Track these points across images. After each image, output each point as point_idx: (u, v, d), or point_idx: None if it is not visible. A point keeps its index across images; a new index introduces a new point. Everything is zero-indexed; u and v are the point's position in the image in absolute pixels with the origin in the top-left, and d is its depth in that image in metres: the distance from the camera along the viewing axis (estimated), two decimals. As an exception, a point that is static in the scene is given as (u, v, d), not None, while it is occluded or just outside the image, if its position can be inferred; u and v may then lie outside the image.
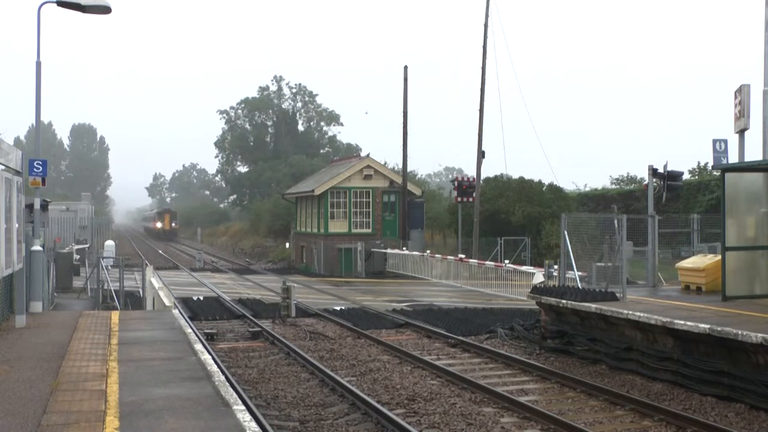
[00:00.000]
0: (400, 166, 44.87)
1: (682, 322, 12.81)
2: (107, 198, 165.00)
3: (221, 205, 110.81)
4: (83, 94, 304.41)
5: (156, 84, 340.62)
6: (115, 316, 16.07)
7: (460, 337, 18.01)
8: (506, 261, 29.69)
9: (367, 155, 48.26)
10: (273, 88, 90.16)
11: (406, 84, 42.94)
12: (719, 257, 16.68)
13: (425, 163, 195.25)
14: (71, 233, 51.67)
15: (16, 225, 15.07)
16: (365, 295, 30.64)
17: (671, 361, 13.15)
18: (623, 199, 40.08)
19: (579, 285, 17.21)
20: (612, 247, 17.71)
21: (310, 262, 45.29)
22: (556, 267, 20.87)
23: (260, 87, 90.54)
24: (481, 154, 39.03)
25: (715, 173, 33.72)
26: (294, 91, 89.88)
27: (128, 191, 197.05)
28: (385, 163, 53.02)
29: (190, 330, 13.86)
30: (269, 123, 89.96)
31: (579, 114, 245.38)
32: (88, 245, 47.78)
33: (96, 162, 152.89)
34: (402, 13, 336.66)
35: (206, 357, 10.86)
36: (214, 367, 10.13)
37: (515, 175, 44.57)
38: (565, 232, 17.71)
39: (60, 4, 15.68)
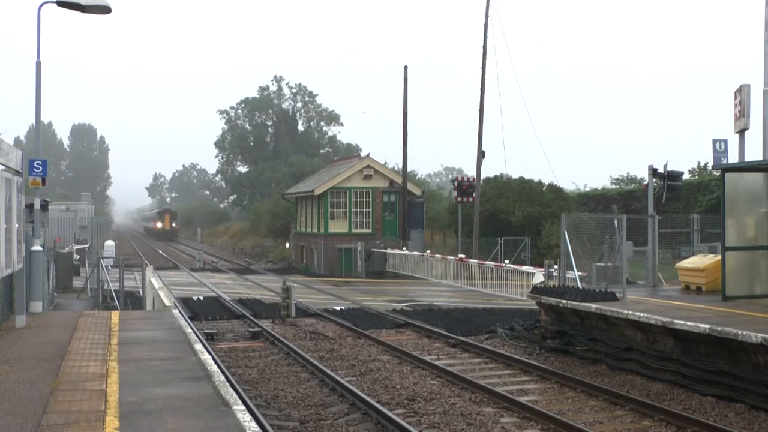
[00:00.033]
0: (400, 166, 44.88)
1: (682, 322, 12.81)
2: (107, 198, 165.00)
3: (221, 205, 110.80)
4: (83, 94, 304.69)
5: (156, 84, 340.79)
6: (115, 316, 16.07)
7: (460, 337, 18.01)
8: (506, 261, 29.69)
9: (367, 155, 48.27)
10: (273, 88, 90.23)
11: (406, 84, 42.95)
12: (719, 257, 16.68)
13: (425, 163, 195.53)
14: (71, 233, 51.67)
15: (16, 225, 15.07)
16: (365, 295, 30.64)
17: (671, 361, 13.15)
18: (623, 199, 40.08)
19: (579, 285, 17.21)
20: (612, 247, 17.71)
21: (310, 262, 45.29)
22: (556, 267, 20.86)
23: (260, 87, 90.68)
24: (481, 154, 39.03)
25: (715, 173, 33.72)
26: (294, 91, 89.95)
27: (128, 191, 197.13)
28: (385, 163, 53.06)
29: (190, 330, 13.86)
30: (269, 123, 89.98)
31: (579, 114, 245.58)
32: (88, 245, 47.78)
33: (96, 162, 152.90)
34: (402, 13, 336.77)
35: (206, 357, 10.86)
36: (214, 367, 10.13)
37: (515, 175, 44.63)
38: (565, 232, 17.71)
39: (60, 4, 15.68)
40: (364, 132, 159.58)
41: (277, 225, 62.75)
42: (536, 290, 17.65)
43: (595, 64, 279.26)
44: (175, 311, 16.95)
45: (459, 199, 40.77)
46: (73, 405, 8.11)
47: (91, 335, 13.03)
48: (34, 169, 15.70)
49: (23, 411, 7.89)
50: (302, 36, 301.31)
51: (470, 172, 61.26)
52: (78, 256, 39.56)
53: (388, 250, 40.35)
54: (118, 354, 11.12)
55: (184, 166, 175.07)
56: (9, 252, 14.42)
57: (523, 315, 21.11)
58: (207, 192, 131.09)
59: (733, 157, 20.32)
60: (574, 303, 15.77)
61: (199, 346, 11.81)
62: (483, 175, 40.97)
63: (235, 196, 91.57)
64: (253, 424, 7.34)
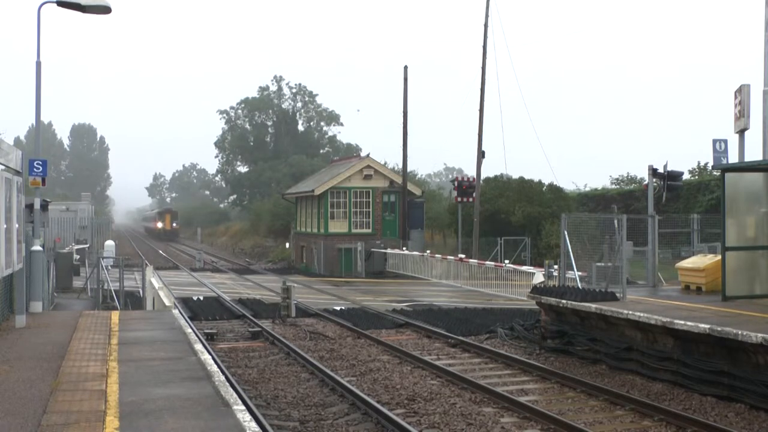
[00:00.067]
0: (400, 166, 44.88)
1: (682, 322, 12.81)
2: (107, 198, 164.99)
3: (221, 205, 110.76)
4: (83, 94, 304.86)
5: (156, 84, 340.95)
6: (115, 316, 16.07)
7: (460, 337, 18.01)
8: (506, 261, 29.69)
9: (367, 155, 48.27)
10: (273, 88, 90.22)
11: (406, 84, 42.94)
12: (719, 257, 16.67)
13: (425, 163, 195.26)
14: (71, 233, 51.66)
15: (16, 225, 15.07)
16: (365, 295, 30.64)
17: (671, 361, 13.15)
18: (623, 199, 40.08)
19: (579, 285, 17.21)
20: (612, 247, 17.71)
21: (310, 262, 45.29)
22: (556, 267, 20.86)
23: (260, 87, 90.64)
24: (481, 154, 39.03)
25: (715, 173, 33.72)
26: (294, 91, 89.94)
27: (128, 191, 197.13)
28: (385, 163, 53.06)
29: (190, 330, 13.86)
30: (269, 123, 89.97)
31: (579, 114, 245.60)
32: (88, 245, 47.77)
33: (96, 162, 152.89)
34: (402, 13, 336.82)
35: (206, 357, 10.86)
36: (214, 367, 10.13)
37: (515, 175, 44.62)
38: (565, 232, 17.71)
39: (60, 4, 15.68)
40: (364, 132, 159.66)
41: (277, 225, 62.75)
42: (536, 290, 17.65)
43: (595, 64, 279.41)
44: (175, 311, 16.95)
45: (459, 199, 40.77)
46: (73, 405, 8.11)
47: (91, 335, 13.03)
48: (34, 169, 15.70)
49: (23, 411, 7.89)
50: (302, 36, 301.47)
51: (470, 172, 61.29)
52: (78, 256, 39.56)
53: (388, 250, 40.35)
54: (118, 354, 11.12)
55: (184, 166, 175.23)
56: (9, 252, 14.42)
57: (523, 315, 21.11)
58: (207, 192, 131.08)
59: (733, 157, 20.33)
60: (574, 303, 15.77)
61: (199, 346, 11.81)
62: (483, 175, 41.00)
63: (235, 196, 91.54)
64: (253, 424, 7.34)
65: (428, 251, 36.24)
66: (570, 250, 17.75)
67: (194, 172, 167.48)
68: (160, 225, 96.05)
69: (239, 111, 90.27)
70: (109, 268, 30.86)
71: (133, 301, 25.45)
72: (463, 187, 40.66)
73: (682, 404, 11.87)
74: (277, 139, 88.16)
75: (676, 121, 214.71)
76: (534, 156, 53.11)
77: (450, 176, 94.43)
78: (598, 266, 18.79)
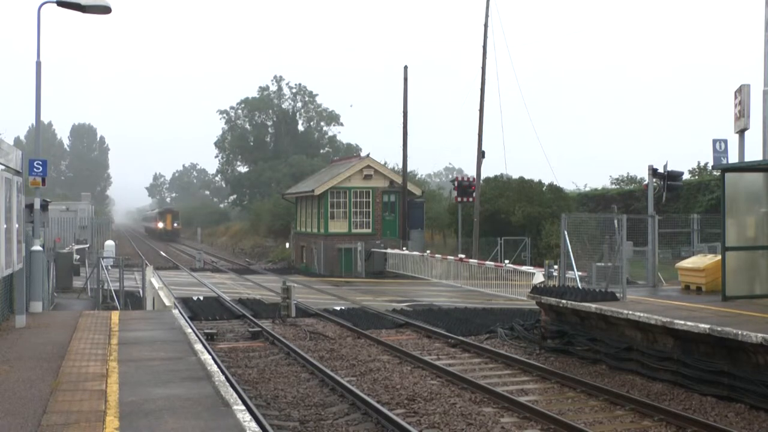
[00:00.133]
0: (400, 166, 44.87)
1: (682, 322, 12.81)
2: (107, 198, 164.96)
3: (221, 205, 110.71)
4: (83, 94, 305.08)
5: (156, 84, 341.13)
6: (115, 316, 16.07)
7: (460, 337, 18.01)
8: (506, 261, 29.68)
9: (367, 155, 48.25)
10: (273, 88, 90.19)
11: (406, 84, 42.94)
12: (719, 257, 16.67)
13: (425, 163, 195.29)
14: (71, 233, 51.66)
15: (16, 225, 15.07)
16: (365, 295, 30.63)
17: (671, 361, 13.15)
18: (623, 199, 40.07)
19: (579, 285, 17.21)
20: (612, 247, 17.71)
21: (310, 262, 45.28)
22: (556, 267, 20.86)
23: (260, 87, 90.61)
24: (481, 154, 39.02)
25: (715, 173, 33.72)
26: (294, 91, 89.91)
27: (128, 191, 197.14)
28: (385, 163, 53.04)
29: (190, 330, 13.86)
30: (269, 123, 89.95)
31: (579, 114, 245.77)
32: (88, 245, 47.77)
33: (96, 162, 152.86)
34: (402, 13, 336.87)
35: (206, 357, 10.86)
36: (214, 367, 10.13)
37: (515, 175, 44.61)
38: (565, 232, 17.71)
39: (60, 4, 15.68)
40: (364, 132, 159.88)
41: (277, 225, 62.74)
42: (536, 290, 17.65)
43: (595, 64, 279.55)
44: (175, 311, 16.95)
45: (459, 199, 40.77)
46: (73, 405, 8.11)
47: (91, 335, 13.02)
48: (34, 169, 15.70)
49: (23, 411, 7.89)
50: (302, 36, 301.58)
51: (470, 172, 61.24)
52: (78, 256, 39.56)
53: (388, 250, 40.35)
54: (118, 354, 11.12)
55: (184, 166, 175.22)
56: (9, 252, 14.42)
57: (523, 315, 21.11)
58: (207, 192, 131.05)
59: (733, 157, 20.33)
60: (574, 303, 15.77)
61: (199, 346, 11.81)
62: (483, 175, 40.99)
63: (235, 196, 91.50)
64: (253, 424, 7.34)
65: (428, 251, 36.23)
66: (570, 250, 17.75)
67: (194, 172, 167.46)
68: (161, 225, 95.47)
69: (239, 111, 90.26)
70: (109, 268, 30.86)
71: (133, 301, 25.45)
72: (463, 186, 40.66)
73: (682, 404, 11.87)
74: (277, 139, 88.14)
75: (676, 121, 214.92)
76: (534, 156, 53.10)
77: (450, 176, 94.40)
78: (598, 266, 18.79)
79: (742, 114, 18.66)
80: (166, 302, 18.23)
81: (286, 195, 54.52)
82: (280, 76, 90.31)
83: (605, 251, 18.92)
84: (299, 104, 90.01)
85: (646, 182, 21.38)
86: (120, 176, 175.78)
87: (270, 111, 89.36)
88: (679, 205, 34.41)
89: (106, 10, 15.96)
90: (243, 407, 8.03)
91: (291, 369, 14.93)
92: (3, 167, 13.81)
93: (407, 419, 10.95)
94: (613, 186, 46.97)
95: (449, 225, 46.23)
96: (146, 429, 7.16)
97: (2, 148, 13.86)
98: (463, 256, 33.08)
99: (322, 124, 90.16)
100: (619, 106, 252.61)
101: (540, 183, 42.20)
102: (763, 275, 15.88)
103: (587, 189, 50.85)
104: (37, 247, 16.16)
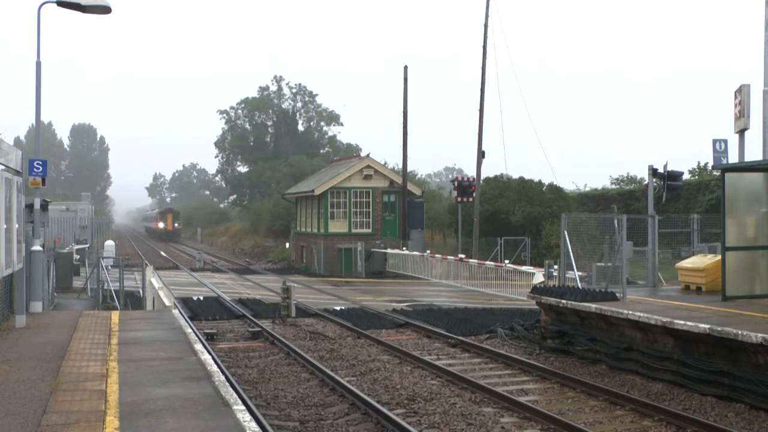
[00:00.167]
0: (400, 166, 44.87)
1: (682, 322, 12.81)
2: (107, 198, 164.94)
3: (221, 205, 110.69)
4: (83, 94, 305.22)
5: (156, 84, 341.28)
6: (115, 316, 16.06)
7: (460, 337, 18.01)
8: (506, 261, 29.68)
9: (367, 155, 48.25)
10: (273, 88, 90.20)
11: (406, 84, 42.94)
12: (719, 257, 16.67)
13: (425, 163, 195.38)
14: (71, 233, 51.66)
15: (16, 225, 15.07)
16: (365, 295, 30.63)
17: (671, 361, 13.15)
18: (623, 199, 40.07)
19: (579, 285, 17.20)
20: (612, 247, 17.71)
21: (310, 262, 45.28)
22: (556, 267, 20.86)
23: (260, 87, 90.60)
24: (481, 154, 39.02)
25: (715, 173, 33.72)
26: (294, 91, 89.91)
27: (128, 191, 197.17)
28: (385, 163, 53.05)
29: (190, 330, 13.86)
30: (269, 123, 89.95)
31: (579, 114, 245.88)
32: (88, 245, 47.77)
33: (96, 162, 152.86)
34: (402, 13, 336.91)
35: (206, 357, 10.86)
36: (214, 367, 10.13)
37: (515, 175, 44.62)
38: (565, 232, 17.71)
39: (60, 4, 15.68)
40: (364, 132, 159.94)
41: (277, 225, 62.74)
42: (536, 290, 17.65)
43: (595, 64, 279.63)
44: (175, 311, 16.95)
45: (459, 199, 40.77)
46: (73, 405, 8.11)
47: (91, 335, 13.02)
48: (34, 169, 15.70)
49: (23, 411, 7.89)
50: (302, 36, 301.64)
51: (470, 172, 61.29)
52: (78, 256, 39.56)
53: (388, 250, 40.34)
54: (118, 354, 11.12)
55: (184, 166, 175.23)
56: (9, 252, 14.42)
57: (523, 315, 21.11)
58: (207, 192, 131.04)
59: (733, 157, 20.33)
60: (574, 303, 15.76)
61: (199, 346, 11.81)
62: (483, 175, 40.99)
63: (235, 196, 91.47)
64: (253, 424, 7.34)
65: (428, 251, 36.23)
66: (570, 250, 17.74)
67: (194, 172, 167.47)
68: (161, 225, 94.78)
69: (239, 111, 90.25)
70: (109, 268, 30.86)
71: (133, 301, 25.45)
72: (463, 186, 40.66)
73: (682, 404, 11.87)
74: (277, 139, 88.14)
75: (676, 121, 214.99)
76: (534, 156, 53.10)
77: (450, 176, 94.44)
78: (598, 266, 18.79)
79: (742, 114, 18.65)
80: (166, 302, 18.23)
81: (286, 195, 54.52)
82: (280, 76, 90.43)
83: (605, 251, 18.92)
84: (299, 104, 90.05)
85: (646, 182, 21.38)
86: (120, 176, 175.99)
87: (270, 111, 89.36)
88: (679, 205, 34.41)
89: (106, 10, 15.96)
90: (243, 407, 8.03)
91: (291, 369, 14.93)
92: (3, 167, 13.81)
93: (407, 419, 10.95)
94: (613, 186, 46.98)
95: (449, 225, 46.23)
96: (146, 429, 7.16)
97: (2, 148, 13.86)
98: (463, 256, 33.07)
99: (322, 124, 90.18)
100: (619, 106, 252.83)
101: (540, 183, 42.21)
102: (763, 275, 15.88)
103: (587, 189, 50.86)
104: (37, 247, 16.16)
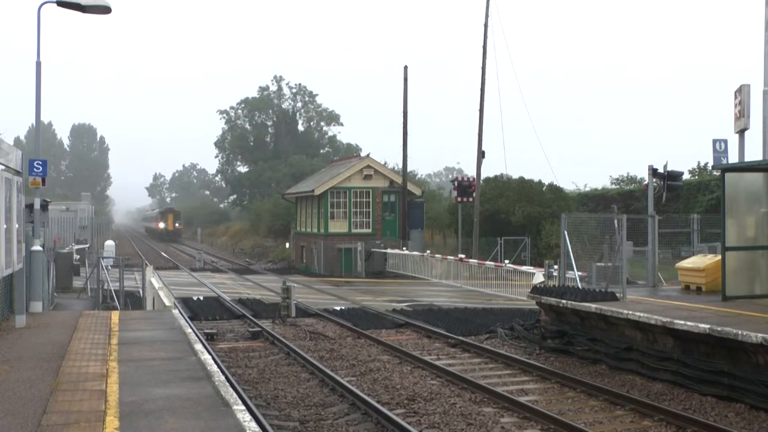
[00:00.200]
0: (400, 166, 44.87)
1: (682, 322, 12.81)
2: (107, 198, 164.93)
3: (221, 205, 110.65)
4: (83, 94, 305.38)
5: (156, 84, 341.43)
6: (115, 316, 16.06)
7: (460, 337, 18.01)
8: (506, 261, 29.68)
9: (367, 155, 48.25)
10: (273, 88, 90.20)
11: (406, 84, 42.94)
12: (719, 257, 16.67)
13: (425, 163, 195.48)
14: (71, 233, 51.66)
15: (16, 225, 15.07)
16: (365, 295, 30.64)
17: (671, 361, 13.15)
18: (623, 199, 40.07)
19: (579, 285, 17.20)
20: (612, 247, 17.71)
21: (310, 262, 45.28)
22: (556, 267, 20.85)
23: (260, 87, 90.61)
24: (481, 154, 39.03)
25: (715, 173, 33.72)
26: (294, 91, 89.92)
27: (128, 191, 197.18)
28: (385, 163, 53.05)
29: (190, 330, 13.86)
30: (269, 123, 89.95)
31: (579, 114, 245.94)
32: (88, 245, 47.77)
33: (96, 162, 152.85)
34: (402, 13, 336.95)
35: (206, 357, 10.86)
36: (214, 367, 10.13)
37: (515, 175, 44.62)
38: (565, 232, 17.71)
39: (60, 4, 15.68)
40: (364, 132, 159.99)
41: (277, 225, 62.74)
42: (536, 290, 17.65)
43: (595, 64, 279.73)
44: (175, 311, 16.95)
45: (459, 199, 40.77)
46: (73, 405, 8.11)
47: (91, 335, 13.02)
48: (34, 169, 15.70)
49: (23, 411, 7.89)
50: (302, 36, 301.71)
51: (470, 172, 61.29)
52: (78, 256, 39.56)
53: (388, 250, 40.34)
54: (118, 354, 11.12)
55: (184, 166, 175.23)
56: (9, 252, 14.42)
57: (523, 315, 21.11)
58: (207, 192, 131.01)
59: (733, 157, 20.33)
60: (574, 303, 15.76)
61: (199, 346, 11.81)
62: (483, 175, 40.99)
63: (235, 196, 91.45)
64: (253, 424, 7.34)
65: (428, 251, 36.23)
66: (570, 250, 17.74)
67: (194, 172, 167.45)
68: (162, 225, 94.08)
69: (239, 111, 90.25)
70: (109, 268, 30.86)
71: (133, 301, 25.45)
72: (463, 186, 40.66)
73: (682, 404, 11.87)
74: (277, 139, 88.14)
75: (676, 121, 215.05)
76: (534, 156, 53.13)
77: (450, 176, 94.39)
78: (598, 266, 18.79)
79: (742, 114, 18.65)
80: (166, 302, 18.23)
81: (286, 195, 54.52)
82: (280, 76, 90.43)
83: (605, 251, 18.92)
84: (299, 104, 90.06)
85: (646, 182, 21.38)
86: (120, 176, 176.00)
87: (270, 111, 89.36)
88: (679, 205, 34.41)
89: (106, 10, 15.96)
90: (243, 407, 8.03)
91: (291, 369, 14.93)
92: (3, 167, 13.81)
93: (407, 419, 10.95)
94: (613, 186, 46.98)
95: (449, 225, 46.23)
96: (146, 429, 7.16)
97: (2, 148, 13.86)
98: (463, 256, 33.07)
99: (322, 124, 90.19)
100: (619, 106, 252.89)
101: (540, 183, 42.21)
102: (763, 275, 15.88)
103: (587, 189, 50.86)
104: (37, 247, 16.16)
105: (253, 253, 63.00)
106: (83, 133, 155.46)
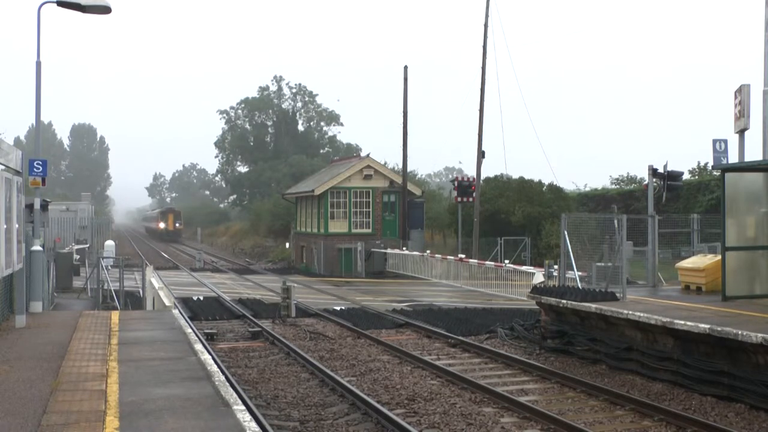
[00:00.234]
0: (400, 166, 44.88)
1: (682, 322, 12.81)
2: (107, 198, 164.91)
3: (221, 205, 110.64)
4: (83, 94, 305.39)
5: (156, 84, 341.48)
6: (115, 316, 16.06)
7: (460, 337, 18.01)
8: (506, 261, 29.68)
9: (367, 155, 48.27)
10: (273, 88, 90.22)
11: (406, 84, 42.94)
12: (719, 257, 16.67)
13: (425, 163, 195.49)
14: (71, 233, 51.65)
15: (16, 225, 15.07)
16: (365, 295, 30.64)
17: (671, 361, 13.15)
18: (623, 199, 40.07)
19: (579, 285, 17.20)
20: (612, 247, 17.71)
21: (310, 262, 45.28)
22: (556, 267, 20.86)
23: (260, 87, 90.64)
24: (481, 154, 39.03)
25: (715, 173, 33.72)
26: (294, 91, 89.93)
27: (128, 191, 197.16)
28: (385, 163, 53.05)
29: (190, 330, 13.86)
30: (269, 123, 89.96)
31: (579, 114, 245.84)
32: (88, 245, 47.77)
33: (96, 162, 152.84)
34: (402, 13, 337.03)
35: (206, 357, 10.86)
36: (214, 367, 10.13)
37: (515, 175, 44.62)
38: (565, 232, 17.71)
39: (60, 4, 15.68)
40: (364, 132, 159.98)
41: (277, 225, 62.74)
42: (536, 290, 17.65)
43: (595, 64, 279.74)
44: (175, 311, 16.95)
45: (459, 199, 40.77)
46: (73, 405, 8.11)
47: (91, 335, 13.03)
48: (34, 169, 15.70)
49: (23, 411, 7.89)
50: (302, 36, 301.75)
51: (470, 172, 61.25)
52: (78, 256, 39.55)
53: (388, 250, 40.35)
54: (118, 354, 11.12)
55: (184, 166, 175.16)
56: (9, 252, 14.42)
57: (523, 315, 21.10)
58: (207, 192, 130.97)
59: (733, 157, 20.33)
60: (574, 303, 15.76)
61: (199, 346, 11.81)
62: (483, 175, 41.00)
63: (235, 196, 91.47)
64: (253, 424, 7.34)
65: (428, 251, 36.23)
66: (570, 250, 17.74)
67: (194, 172, 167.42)
68: (162, 225, 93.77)
69: (239, 111, 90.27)
70: (109, 268, 30.85)
71: (133, 301, 25.45)
72: (464, 186, 40.66)
73: (682, 404, 11.87)
74: (277, 139, 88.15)
75: (676, 121, 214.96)
76: (534, 156, 53.15)
77: (450, 176, 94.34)
78: (598, 266, 18.80)
79: (742, 114, 18.65)
80: (166, 302, 18.23)
81: (286, 195, 54.52)
82: (280, 76, 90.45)
83: (605, 251, 18.92)
84: (299, 104, 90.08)
85: (646, 182, 21.38)
86: (120, 176, 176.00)
87: (270, 111, 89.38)
88: (679, 205, 34.41)
89: (106, 10, 15.96)
90: (243, 407, 8.03)
91: (291, 369, 14.93)
92: (3, 167, 13.81)
93: (407, 419, 10.95)
94: (613, 186, 46.97)
95: (449, 225, 46.23)
96: (146, 429, 7.16)
97: (2, 148, 13.87)
98: (463, 256, 33.07)
99: (322, 124, 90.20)
100: (619, 106, 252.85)
101: (540, 183, 42.21)
102: (763, 275, 15.88)
103: (587, 189, 50.86)
104: (37, 247, 16.16)
105: (253, 253, 63.00)
106: (83, 133, 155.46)
